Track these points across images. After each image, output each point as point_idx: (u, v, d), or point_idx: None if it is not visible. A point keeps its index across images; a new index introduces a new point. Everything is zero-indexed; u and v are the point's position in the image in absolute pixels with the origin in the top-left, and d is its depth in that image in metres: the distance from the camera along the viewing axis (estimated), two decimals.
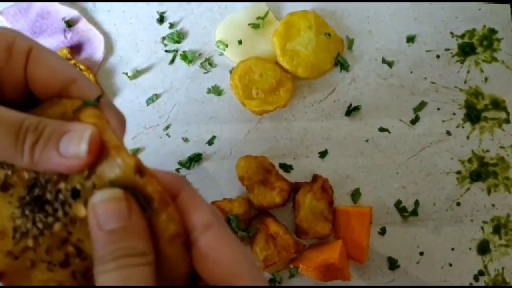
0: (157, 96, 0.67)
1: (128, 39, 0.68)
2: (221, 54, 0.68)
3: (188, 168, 0.66)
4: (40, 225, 0.28)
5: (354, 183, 0.66)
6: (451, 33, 0.68)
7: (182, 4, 0.69)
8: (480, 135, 0.67)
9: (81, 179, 0.28)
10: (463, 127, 0.67)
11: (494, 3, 0.69)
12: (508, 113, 0.67)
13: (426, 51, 0.68)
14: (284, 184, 0.63)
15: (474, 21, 0.69)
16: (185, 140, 0.66)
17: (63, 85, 0.29)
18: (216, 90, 0.67)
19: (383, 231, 0.65)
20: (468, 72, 0.68)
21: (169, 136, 0.67)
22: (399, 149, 0.66)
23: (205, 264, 0.27)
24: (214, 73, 0.68)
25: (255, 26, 0.67)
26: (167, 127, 0.67)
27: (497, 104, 0.67)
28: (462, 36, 0.68)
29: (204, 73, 0.68)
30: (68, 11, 0.68)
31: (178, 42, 0.68)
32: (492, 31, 0.68)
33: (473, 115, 0.67)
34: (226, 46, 0.67)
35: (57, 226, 0.28)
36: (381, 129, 0.67)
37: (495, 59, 0.68)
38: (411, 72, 0.68)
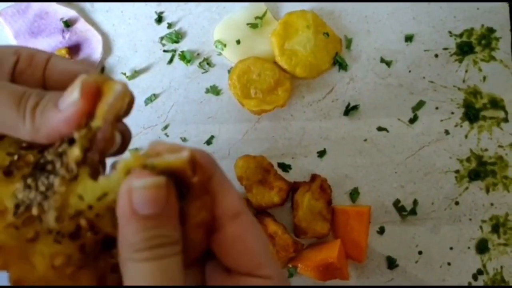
0: (155, 96, 0.67)
1: (126, 39, 0.68)
2: (220, 54, 0.68)
3: None
4: (42, 188, 0.27)
5: (353, 183, 0.66)
6: (450, 32, 0.68)
7: (181, 4, 0.69)
8: (479, 134, 0.67)
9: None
10: (461, 126, 0.67)
11: (493, 2, 0.69)
12: (506, 112, 0.67)
13: (425, 50, 0.68)
14: (282, 184, 0.63)
15: (472, 20, 0.68)
16: (184, 140, 0.66)
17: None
18: (214, 90, 0.67)
19: (381, 231, 0.65)
20: (466, 71, 0.68)
21: (168, 136, 0.67)
22: (397, 149, 0.66)
23: (230, 251, 0.27)
24: (213, 73, 0.68)
25: (253, 26, 0.67)
26: (165, 127, 0.67)
27: (495, 103, 0.67)
28: (461, 35, 0.68)
29: (203, 73, 0.68)
30: (66, 12, 0.68)
31: (177, 42, 0.68)
32: (491, 30, 0.68)
33: (471, 114, 0.67)
34: (225, 46, 0.67)
35: (56, 182, 0.27)
36: (380, 129, 0.67)
37: (493, 58, 0.68)
38: (410, 71, 0.68)
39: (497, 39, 0.68)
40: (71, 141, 0.27)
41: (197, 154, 0.26)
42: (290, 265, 0.63)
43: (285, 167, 0.66)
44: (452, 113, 0.67)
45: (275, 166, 0.65)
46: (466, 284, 0.64)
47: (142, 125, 0.67)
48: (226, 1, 0.69)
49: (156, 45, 0.68)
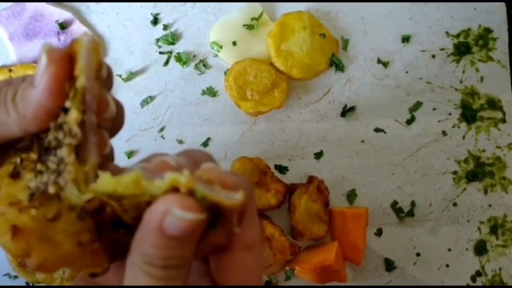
0: (151, 98, 0.67)
1: (122, 41, 0.68)
2: (216, 55, 0.67)
3: None
4: (53, 166, 0.26)
5: (350, 184, 0.66)
6: (447, 32, 0.68)
7: (176, 6, 0.68)
8: (476, 135, 0.66)
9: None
10: (459, 127, 0.67)
11: (490, 2, 0.68)
12: (504, 113, 0.67)
13: (422, 51, 0.68)
14: (279, 186, 0.63)
15: (469, 21, 0.68)
16: (180, 142, 0.66)
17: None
18: (210, 92, 0.67)
19: (379, 232, 0.65)
20: (463, 71, 0.67)
21: (164, 138, 0.66)
22: (395, 150, 0.66)
23: (227, 273, 0.27)
24: (209, 75, 0.67)
25: (249, 27, 0.67)
26: (161, 129, 0.66)
27: (493, 104, 0.67)
28: (458, 35, 0.68)
29: (199, 74, 0.67)
30: (61, 14, 0.67)
31: (172, 43, 0.68)
32: (488, 30, 0.68)
33: (469, 115, 0.67)
34: (221, 47, 0.67)
35: (64, 152, 0.25)
36: (377, 130, 0.66)
37: (490, 59, 0.68)
38: (407, 72, 0.67)
39: (494, 39, 0.68)
40: (65, 110, 0.26)
41: (228, 179, 0.26)
42: (287, 268, 0.63)
43: (282, 169, 0.66)
44: (450, 114, 0.67)
45: (272, 168, 0.65)
46: (464, 285, 0.64)
47: (138, 127, 0.66)
48: (222, 1, 0.68)
49: (152, 47, 0.68)
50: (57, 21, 0.67)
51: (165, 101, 0.67)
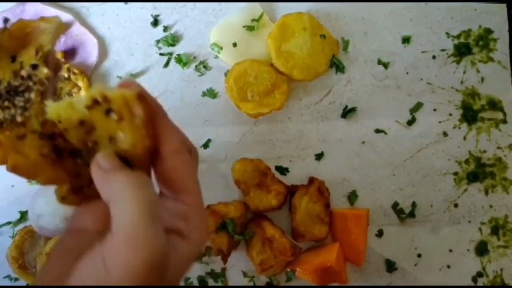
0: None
1: (122, 42, 0.68)
2: (216, 57, 0.67)
3: None
4: (21, 103, 0.36)
5: (351, 185, 0.66)
6: (447, 33, 0.68)
7: (176, 7, 0.68)
8: (477, 135, 0.66)
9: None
10: (459, 127, 0.67)
11: (490, 3, 0.68)
12: (505, 113, 0.67)
13: (422, 51, 0.68)
14: (280, 187, 0.63)
15: (470, 21, 0.68)
16: None
17: None
18: (211, 93, 0.67)
19: (380, 233, 0.65)
20: (464, 72, 0.67)
21: None
22: (395, 151, 0.66)
23: (164, 179, 0.34)
24: (209, 76, 0.67)
25: (249, 28, 0.66)
26: None
27: (493, 104, 0.67)
28: (458, 36, 0.68)
29: (199, 76, 0.67)
30: (61, 15, 0.67)
31: (173, 45, 0.67)
32: (488, 31, 0.68)
33: (469, 116, 0.66)
34: (221, 48, 0.66)
35: (33, 94, 0.36)
36: (378, 131, 0.66)
37: (491, 59, 0.68)
38: (407, 73, 0.67)
39: (495, 40, 0.68)
40: (34, 67, 0.37)
41: (146, 94, 0.33)
42: (288, 269, 0.63)
43: (282, 170, 0.66)
44: (450, 114, 0.67)
45: (273, 169, 0.65)
46: (465, 285, 0.64)
47: None
48: (222, 1, 0.68)
49: (152, 48, 0.68)
50: None
51: (165, 102, 0.66)
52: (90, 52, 0.67)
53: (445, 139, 0.66)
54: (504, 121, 0.67)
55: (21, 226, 0.64)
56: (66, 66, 0.65)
